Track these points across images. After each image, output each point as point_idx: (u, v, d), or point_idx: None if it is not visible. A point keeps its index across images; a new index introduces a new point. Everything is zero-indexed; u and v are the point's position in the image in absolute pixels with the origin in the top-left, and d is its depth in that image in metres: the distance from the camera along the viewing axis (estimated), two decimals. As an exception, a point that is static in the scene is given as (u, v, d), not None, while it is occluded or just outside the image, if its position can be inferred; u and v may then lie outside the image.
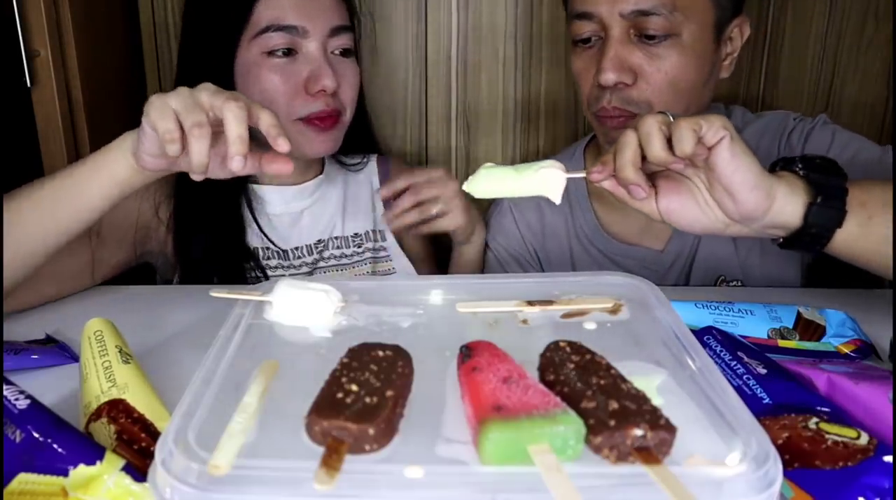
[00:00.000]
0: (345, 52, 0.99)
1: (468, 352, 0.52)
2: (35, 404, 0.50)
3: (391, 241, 1.14)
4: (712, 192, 0.68)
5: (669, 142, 0.64)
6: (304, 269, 1.08)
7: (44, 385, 0.60)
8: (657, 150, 0.64)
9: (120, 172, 0.74)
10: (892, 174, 0.67)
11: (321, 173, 1.11)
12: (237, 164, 0.65)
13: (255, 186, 1.05)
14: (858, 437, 0.49)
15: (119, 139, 0.74)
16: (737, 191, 0.65)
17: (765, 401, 0.57)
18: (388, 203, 1.11)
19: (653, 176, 0.71)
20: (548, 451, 0.42)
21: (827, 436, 0.50)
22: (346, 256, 1.11)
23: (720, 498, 0.41)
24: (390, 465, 0.43)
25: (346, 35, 0.99)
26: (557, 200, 0.71)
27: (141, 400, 0.55)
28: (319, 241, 1.09)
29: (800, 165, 0.69)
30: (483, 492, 0.41)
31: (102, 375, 0.57)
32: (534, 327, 0.63)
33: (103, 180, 0.74)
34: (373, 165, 1.18)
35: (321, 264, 1.09)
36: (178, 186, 1.00)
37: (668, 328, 0.59)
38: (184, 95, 0.67)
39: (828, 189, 0.66)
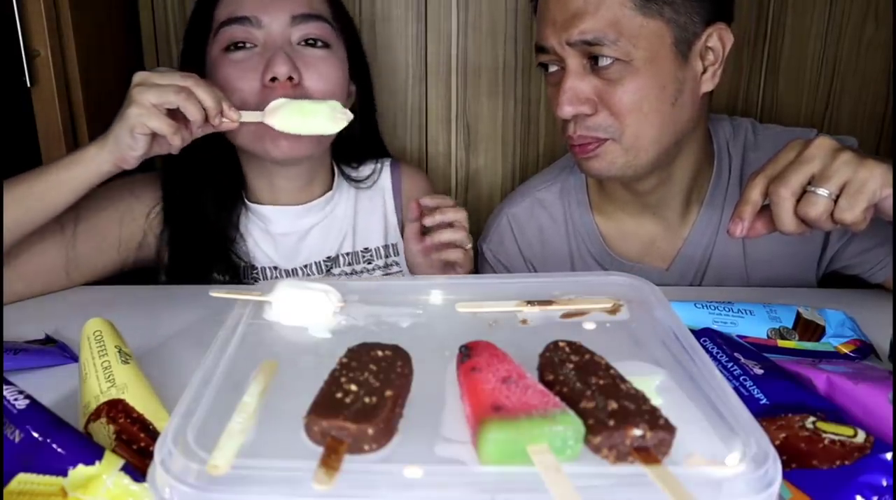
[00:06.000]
0: (313, 42, 0.95)
1: (467, 352, 0.52)
2: (34, 405, 0.50)
3: (403, 255, 1.11)
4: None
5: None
6: None
7: (43, 385, 0.60)
8: (823, 220, 0.68)
9: (93, 168, 0.82)
10: (894, 177, 0.67)
11: (330, 189, 1.07)
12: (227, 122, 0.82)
13: (257, 206, 1.04)
14: (855, 435, 0.49)
15: (93, 150, 0.82)
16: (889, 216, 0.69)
17: (762, 402, 0.57)
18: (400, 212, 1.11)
19: None
20: (547, 451, 0.42)
21: (824, 435, 0.50)
22: (357, 272, 1.09)
23: (719, 498, 0.41)
24: (389, 465, 0.43)
25: (314, 24, 0.94)
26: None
27: (140, 400, 0.55)
28: (328, 257, 1.07)
29: None
30: (482, 492, 0.41)
31: (102, 375, 0.57)
32: (533, 327, 0.62)
33: (72, 180, 0.82)
34: (386, 172, 1.13)
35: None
36: (168, 201, 1.00)
37: (667, 328, 0.59)
38: (156, 89, 0.78)
39: None
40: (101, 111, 1.19)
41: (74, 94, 1.13)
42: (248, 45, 0.93)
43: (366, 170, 1.12)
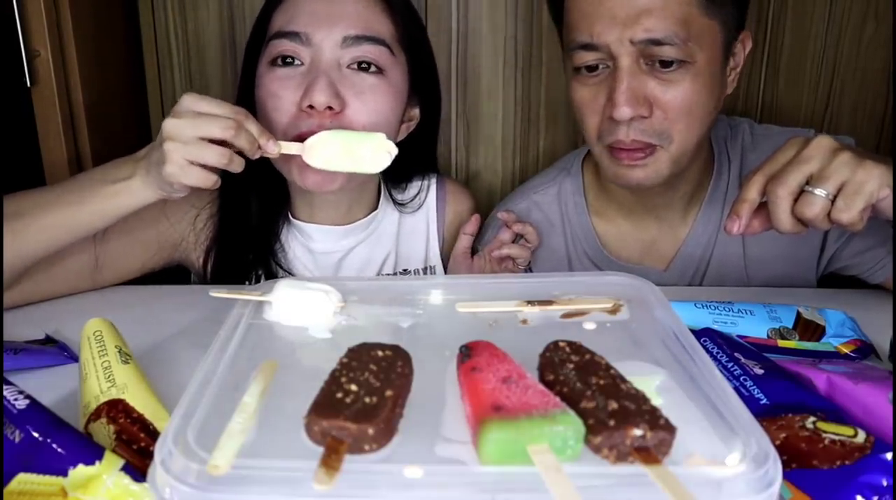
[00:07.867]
0: (365, 66, 0.88)
1: (468, 352, 0.52)
2: (34, 405, 0.50)
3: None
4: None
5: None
6: None
7: (43, 385, 0.60)
8: (820, 220, 0.68)
9: (138, 200, 0.78)
10: (894, 177, 0.67)
11: (374, 209, 1.04)
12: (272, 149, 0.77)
13: (299, 222, 1.01)
14: (856, 435, 0.49)
15: (137, 183, 0.77)
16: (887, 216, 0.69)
17: (762, 402, 0.57)
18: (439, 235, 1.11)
19: None
20: (547, 451, 0.42)
21: (824, 435, 0.50)
22: None
23: (720, 498, 0.41)
24: (390, 465, 0.43)
25: (367, 46, 0.87)
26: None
27: (140, 400, 0.55)
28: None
29: None
30: (482, 492, 0.41)
31: (102, 375, 0.57)
32: (533, 327, 0.63)
33: (117, 209, 0.79)
34: (431, 192, 1.10)
35: None
36: (222, 211, 0.99)
37: (667, 328, 0.59)
38: (191, 145, 0.72)
39: None
40: (101, 111, 1.19)
41: (74, 94, 1.13)
42: (294, 61, 0.87)
43: (412, 190, 1.09)
